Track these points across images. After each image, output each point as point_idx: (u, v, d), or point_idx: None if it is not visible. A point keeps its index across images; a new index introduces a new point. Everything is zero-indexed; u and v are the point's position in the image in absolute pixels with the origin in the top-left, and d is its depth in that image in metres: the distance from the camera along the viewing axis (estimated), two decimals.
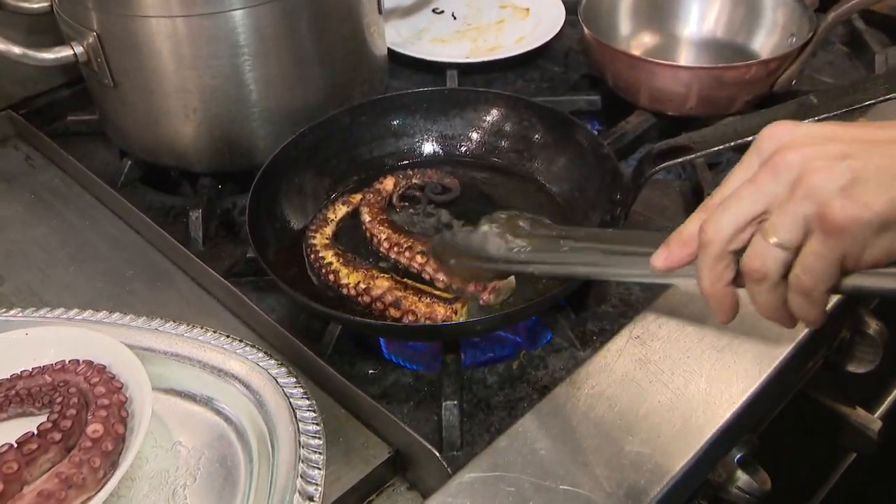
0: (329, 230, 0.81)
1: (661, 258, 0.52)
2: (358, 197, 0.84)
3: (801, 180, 0.44)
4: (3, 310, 0.76)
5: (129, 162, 0.95)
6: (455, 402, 0.67)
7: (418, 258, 0.76)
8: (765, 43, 1.00)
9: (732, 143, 0.71)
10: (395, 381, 0.72)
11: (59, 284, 0.83)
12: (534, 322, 0.76)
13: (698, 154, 0.71)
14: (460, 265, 0.69)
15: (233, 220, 0.90)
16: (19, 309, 0.76)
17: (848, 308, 0.85)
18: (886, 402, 1.02)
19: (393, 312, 0.72)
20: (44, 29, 0.93)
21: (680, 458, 0.62)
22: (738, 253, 0.48)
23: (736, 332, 0.71)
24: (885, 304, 0.97)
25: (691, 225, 0.50)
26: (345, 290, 0.75)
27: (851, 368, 0.90)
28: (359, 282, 0.74)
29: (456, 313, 0.70)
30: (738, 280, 0.49)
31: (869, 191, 0.42)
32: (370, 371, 0.73)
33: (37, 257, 0.87)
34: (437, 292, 0.73)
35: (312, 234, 0.80)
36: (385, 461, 0.66)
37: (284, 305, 0.79)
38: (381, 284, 0.72)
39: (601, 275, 0.62)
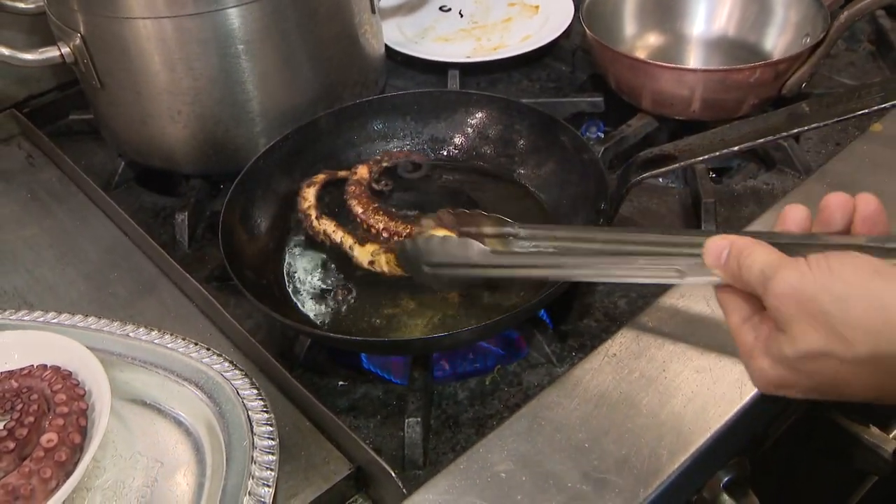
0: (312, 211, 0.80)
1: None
2: (321, 177, 0.82)
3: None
4: None
5: (123, 162, 0.94)
6: (418, 420, 0.64)
7: None
8: (777, 42, 0.95)
9: (718, 153, 0.67)
10: (365, 394, 0.70)
11: (44, 286, 0.83)
12: (510, 336, 0.72)
13: (681, 164, 0.68)
14: (434, 273, 0.67)
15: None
16: (12, 310, 0.76)
17: None
18: None
19: None
20: (44, 29, 0.92)
21: (647, 486, 0.59)
22: None
23: (719, 352, 0.67)
24: None
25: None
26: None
27: None
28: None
29: None
30: None
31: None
32: (340, 383, 0.71)
33: (25, 258, 0.86)
34: None
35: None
36: (346, 477, 0.64)
37: (260, 313, 0.77)
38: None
39: (592, 276, 0.60)
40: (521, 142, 0.84)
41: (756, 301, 0.50)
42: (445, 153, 0.87)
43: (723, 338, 0.67)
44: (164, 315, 0.78)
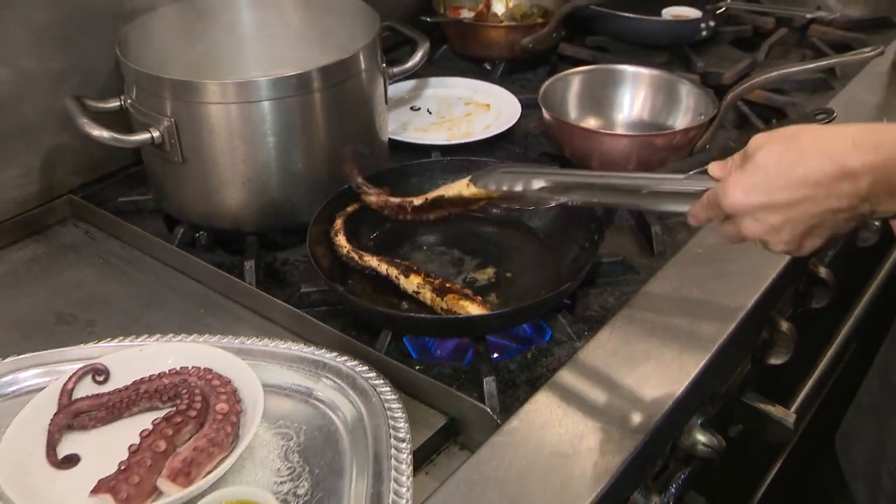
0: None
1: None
2: (339, 222, 1.04)
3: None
4: (110, 339, 0.92)
5: (182, 229, 1.12)
6: (493, 378, 0.86)
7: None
8: (681, 121, 1.26)
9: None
10: (438, 372, 0.91)
11: (143, 324, 0.98)
12: (538, 324, 0.96)
13: None
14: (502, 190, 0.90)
15: (276, 270, 1.08)
16: (132, 336, 0.92)
17: (763, 314, 1.08)
18: (799, 397, 1.25)
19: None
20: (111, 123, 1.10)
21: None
22: None
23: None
24: (795, 309, 1.22)
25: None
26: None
27: (773, 361, 1.13)
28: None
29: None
30: None
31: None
32: (416, 367, 0.91)
33: (117, 305, 1.02)
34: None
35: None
36: (443, 427, 0.84)
37: (337, 327, 0.96)
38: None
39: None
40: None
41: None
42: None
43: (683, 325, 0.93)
44: (256, 336, 0.96)
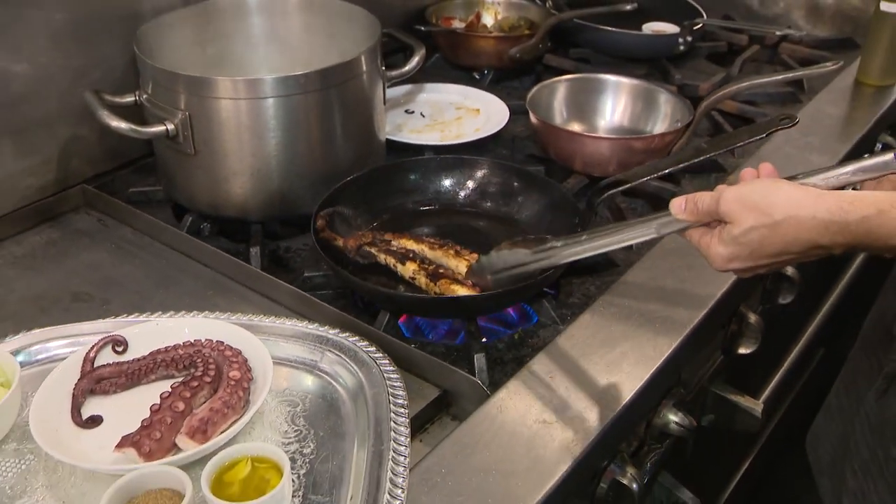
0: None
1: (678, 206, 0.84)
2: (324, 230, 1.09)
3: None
4: (126, 315, 0.97)
5: (191, 218, 1.18)
6: (483, 355, 0.93)
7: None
8: (659, 127, 1.34)
9: (656, 174, 1.03)
10: (432, 350, 0.98)
11: (155, 303, 1.04)
12: (523, 308, 1.03)
13: (630, 185, 1.03)
14: (498, 277, 0.97)
15: (279, 257, 1.15)
16: (147, 312, 0.97)
17: (732, 305, 1.16)
18: (767, 390, 1.33)
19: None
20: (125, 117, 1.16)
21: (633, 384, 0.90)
22: None
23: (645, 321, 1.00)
24: (763, 304, 1.29)
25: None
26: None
27: (742, 350, 1.20)
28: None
29: None
30: None
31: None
32: (413, 345, 0.98)
33: (130, 286, 1.08)
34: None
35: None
36: (437, 398, 0.91)
37: (339, 306, 1.02)
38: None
39: (597, 249, 0.90)
40: (515, 190, 1.16)
41: (708, 226, 0.83)
42: (459, 200, 1.19)
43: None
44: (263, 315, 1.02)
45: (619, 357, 0.93)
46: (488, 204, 1.17)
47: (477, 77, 1.64)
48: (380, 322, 0.99)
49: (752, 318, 1.19)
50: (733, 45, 1.77)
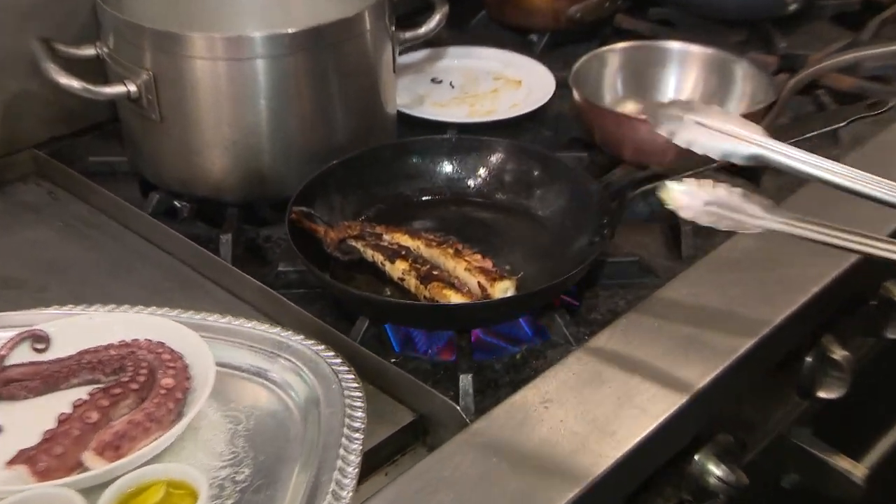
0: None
1: None
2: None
3: None
4: (59, 306, 1.00)
5: (157, 196, 1.22)
6: (469, 375, 0.93)
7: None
8: (736, 108, 1.31)
9: (700, 169, 1.01)
10: (415, 367, 0.98)
11: (100, 293, 1.04)
12: (534, 324, 1.03)
13: (669, 180, 1.01)
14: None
15: (257, 247, 1.17)
16: (84, 304, 1.01)
17: (804, 335, 1.13)
18: (874, 451, 1.28)
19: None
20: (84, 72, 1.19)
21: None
22: None
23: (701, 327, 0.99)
24: (864, 337, 1.26)
25: None
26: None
27: (822, 394, 1.17)
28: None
29: None
30: None
31: None
32: (392, 360, 0.99)
33: (75, 272, 1.11)
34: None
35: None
36: (409, 423, 0.91)
37: (313, 311, 1.04)
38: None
39: None
40: (534, 179, 1.16)
41: None
42: (467, 190, 1.19)
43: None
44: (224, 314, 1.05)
45: (635, 388, 0.92)
46: (502, 195, 1.17)
47: (534, 39, 1.63)
48: (357, 330, 1.00)
49: (838, 354, 1.15)
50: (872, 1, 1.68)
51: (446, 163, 1.18)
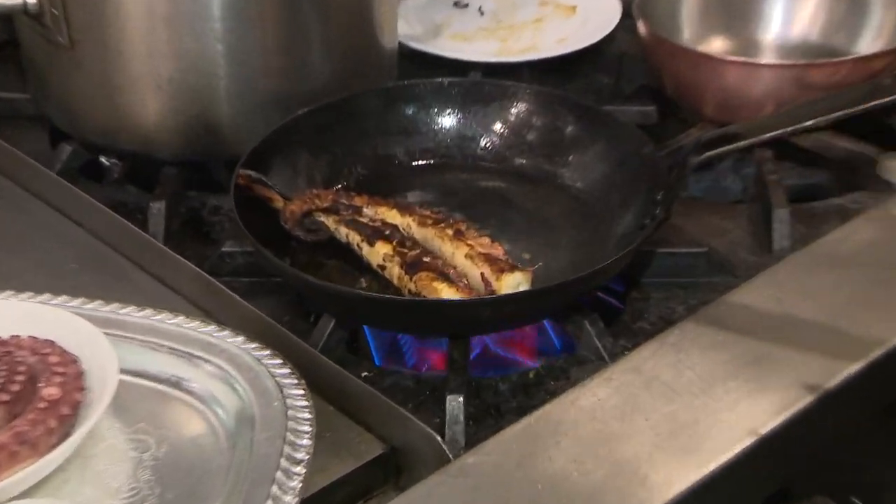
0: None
1: None
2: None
3: None
4: None
5: (70, 148, 1.25)
6: (460, 396, 0.95)
7: None
8: (871, 47, 1.31)
9: (791, 129, 1.02)
10: (394, 384, 1.00)
11: None
12: (560, 332, 1.05)
13: (750, 141, 1.03)
14: None
15: (201, 220, 1.20)
16: None
17: None
18: None
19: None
20: None
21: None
22: None
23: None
24: None
25: None
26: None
27: None
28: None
29: None
30: None
31: None
32: (364, 374, 1.01)
33: None
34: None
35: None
36: (377, 458, 0.93)
37: (265, 306, 1.06)
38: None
39: None
40: (566, 139, 1.18)
41: None
42: (477, 152, 1.21)
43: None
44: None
45: (682, 422, 0.93)
46: (523, 160, 1.20)
47: None
48: (319, 333, 1.03)
49: None
50: None
51: (452, 115, 1.20)
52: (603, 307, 1.08)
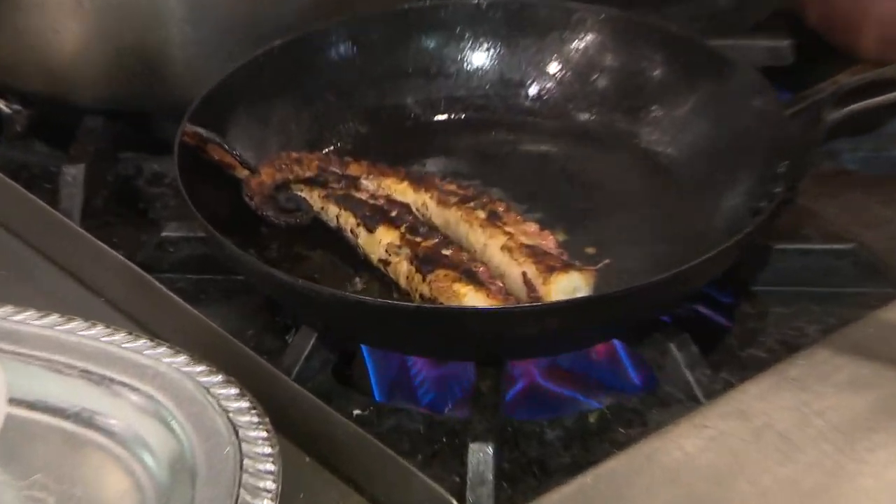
0: None
1: None
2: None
3: None
4: None
5: None
6: (489, 446, 0.93)
7: None
8: None
9: None
10: (397, 426, 0.99)
11: None
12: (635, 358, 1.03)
13: None
14: None
15: (137, 191, 1.20)
16: None
17: None
18: None
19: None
20: None
21: None
22: None
23: None
24: None
25: None
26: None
27: None
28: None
29: None
30: None
31: None
32: (356, 412, 0.99)
33: None
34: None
35: None
36: None
37: (220, 315, 1.06)
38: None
39: None
40: (651, 85, 1.16)
41: None
42: (525, 103, 1.20)
43: None
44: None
45: (807, 494, 0.91)
46: (588, 115, 1.18)
47: None
48: (295, 352, 1.01)
49: None
50: None
51: (491, 50, 1.18)
52: (698, 325, 1.05)
